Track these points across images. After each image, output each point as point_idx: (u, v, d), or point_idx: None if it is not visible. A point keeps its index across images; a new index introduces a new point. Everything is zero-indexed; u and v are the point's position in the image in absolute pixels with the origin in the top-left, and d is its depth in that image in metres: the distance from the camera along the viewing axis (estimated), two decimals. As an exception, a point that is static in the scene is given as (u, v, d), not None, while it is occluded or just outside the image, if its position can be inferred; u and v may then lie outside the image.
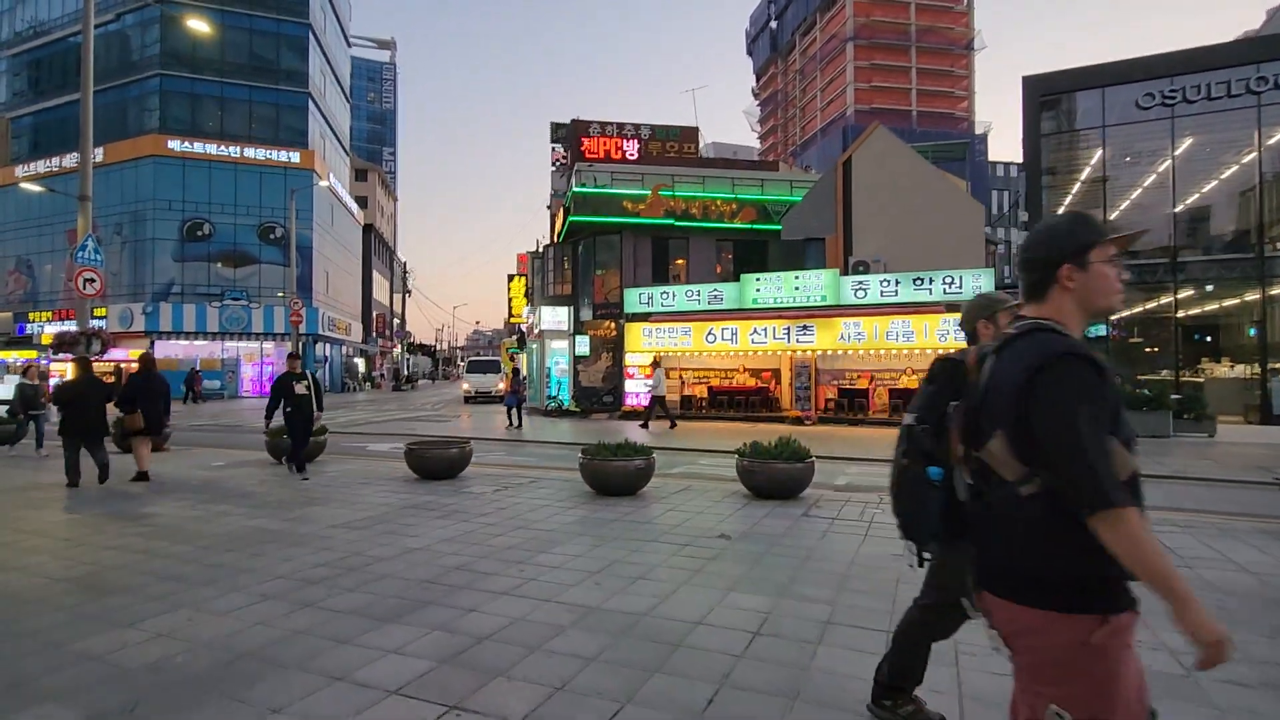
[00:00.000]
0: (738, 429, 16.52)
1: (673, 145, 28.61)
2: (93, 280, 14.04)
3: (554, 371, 23.40)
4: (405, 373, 47.11)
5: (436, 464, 9.04)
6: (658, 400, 16.98)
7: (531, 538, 5.92)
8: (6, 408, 13.24)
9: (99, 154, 35.82)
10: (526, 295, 29.46)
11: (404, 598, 4.34)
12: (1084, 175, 20.27)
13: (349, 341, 44.59)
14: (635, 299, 19.76)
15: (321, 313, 37.23)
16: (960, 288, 16.06)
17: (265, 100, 37.56)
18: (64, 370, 35.16)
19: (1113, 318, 20.03)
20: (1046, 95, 18.58)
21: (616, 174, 21.61)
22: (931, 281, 16.42)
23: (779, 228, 21.00)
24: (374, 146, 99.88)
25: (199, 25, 16.20)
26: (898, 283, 16.70)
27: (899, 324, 16.33)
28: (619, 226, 21.23)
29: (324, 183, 35.63)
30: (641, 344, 19.44)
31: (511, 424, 17.45)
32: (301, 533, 6.09)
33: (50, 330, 35.72)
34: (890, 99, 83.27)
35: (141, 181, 35.11)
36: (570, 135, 28.42)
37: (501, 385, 28.98)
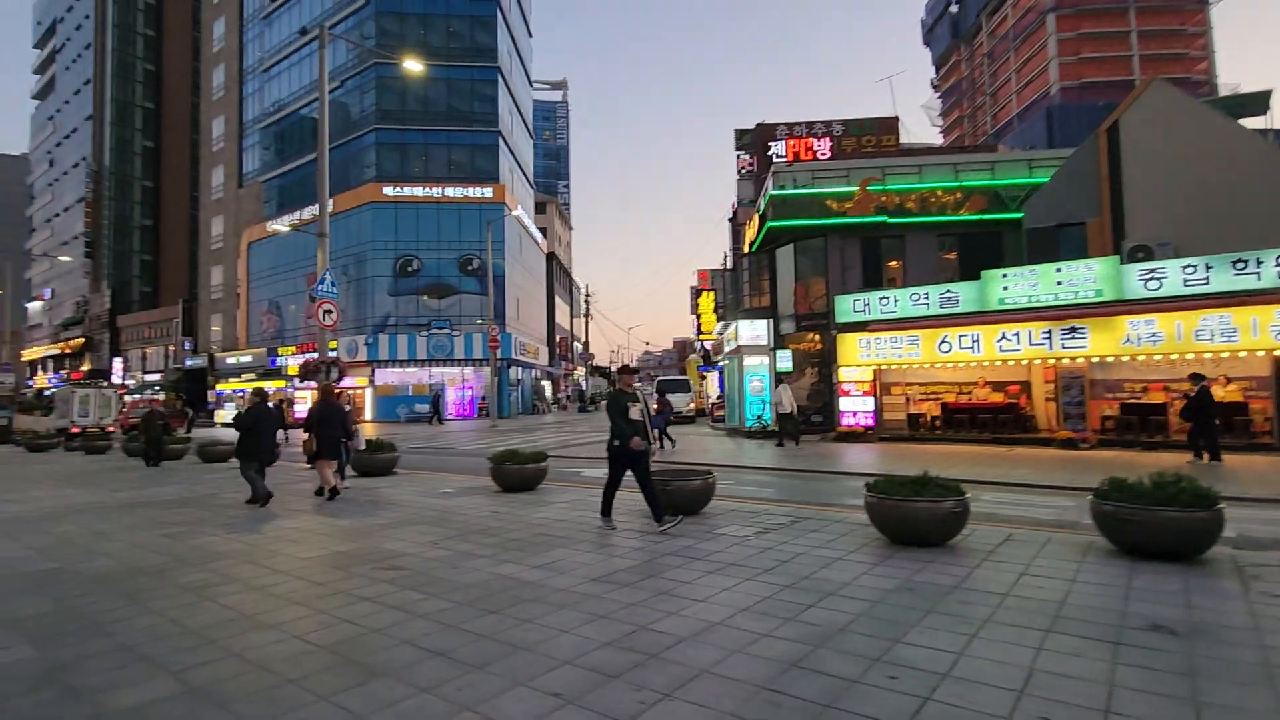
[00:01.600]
0: (989, 454, 13.80)
1: (869, 140, 26.11)
2: (330, 312, 14.85)
3: (749, 389, 21.83)
4: (589, 394, 48.08)
5: (679, 498, 7.79)
6: (784, 418, 16.89)
7: (860, 613, 4.34)
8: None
9: (330, 205, 40.61)
10: (716, 310, 28.40)
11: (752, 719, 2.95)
12: None
13: (537, 365, 46.41)
14: (849, 306, 17.66)
15: (514, 338, 38.90)
16: (1309, 268, 12.18)
17: (461, 142, 40.41)
18: (305, 397, 39.79)
19: None
20: None
21: (818, 172, 19.71)
22: (1260, 263, 12.67)
23: (1018, 215, 17.86)
24: (550, 181, 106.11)
25: (413, 65, 16.91)
26: (1209, 268, 13.10)
27: (1214, 320, 12.74)
28: (823, 229, 19.29)
29: (516, 212, 37.37)
30: (858, 356, 17.27)
31: (662, 446, 17.10)
32: (561, 587, 5.02)
33: (294, 362, 40.79)
34: (1104, 70, 72.90)
35: (362, 226, 39.10)
36: (756, 140, 27.00)
37: (692, 405, 28.10)
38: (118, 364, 61.58)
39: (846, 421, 17.49)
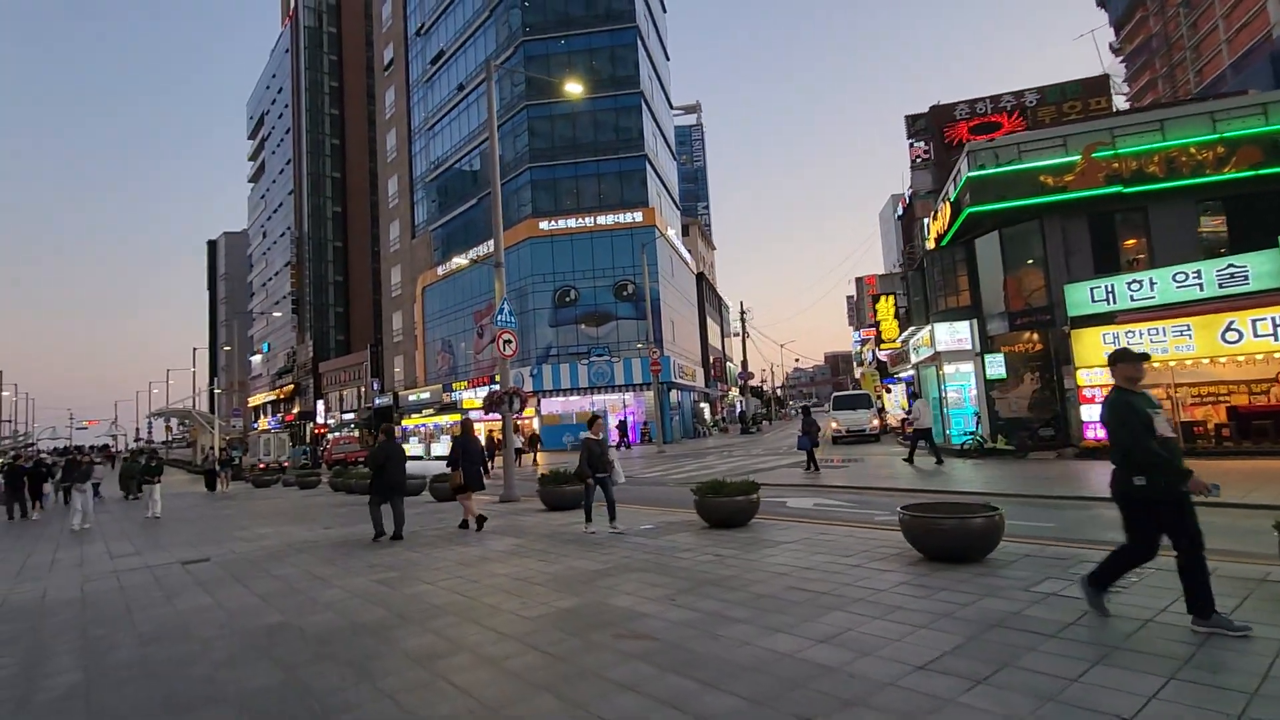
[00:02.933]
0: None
1: (1073, 106, 22.69)
2: (509, 341, 14.71)
3: (941, 400, 19.22)
4: (750, 414, 46.32)
5: (953, 539, 6.16)
6: (921, 435, 16.38)
7: None
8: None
9: (489, 245, 42.71)
10: (896, 316, 25.79)
11: None
12: None
13: (694, 387, 45.49)
14: (1084, 296, 14.81)
15: (672, 360, 38.28)
16: None
17: (609, 170, 40.95)
18: (482, 429, 41.62)
19: None
20: None
21: (1025, 145, 17.00)
22: None
23: (1310, 165, 14.13)
24: (689, 203, 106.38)
25: (574, 88, 16.73)
26: None
27: None
28: (1036, 209, 16.52)
29: (671, 230, 37.00)
30: (1102, 355, 14.33)
31: (809, 468, 15.76)
32: (880, 678, 3.64)
33: (467, 396, 42.97)
34: (1343, -1, 60.33)
35: (522, 262, 40.58)
36: (931, 125, 24.40)
37: (875, 422, 25.54)
38: (320, 406, 69.06)
39: (1093, 434, 14.55)
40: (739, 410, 72.56)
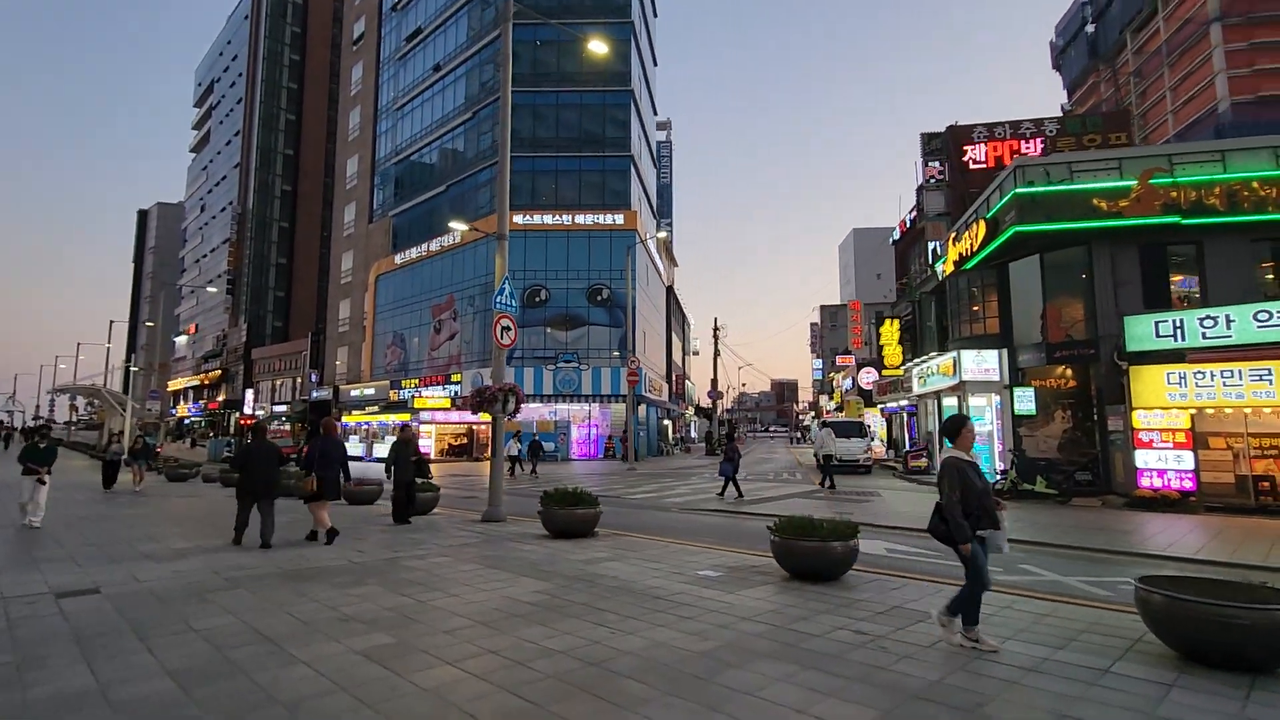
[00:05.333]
0: None
1: (1092, 139, 22.03)
2: (508, 329, 12.39)
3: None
4: (716, 435, 44.52)
5: (1253, 638, 4.23)
6: (827, 459, 17.64)
7: None
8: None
9: (458, 237, 39.94)
10: (901, 342, 24.50)
11: None
12: None
13: (662, 403, 43.50)
14: (1148, 330, 13.53)
15: (644, 373, 36.25)
16: None
17: (592, 168, 38.86)
18: (430, 431, 38.32)
19: None
20: None
21: (1077, 165, 15.84)
22: None
23: (1382, 210, 13.29)
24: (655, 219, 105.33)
25: (598, 47, 14.74)
26: None
27: None
28: (1085, 234, 15.31)
29: (660, 235, 35.13)
30: (1165, 396, 13.05)
31: (724, 495, 15.59)
32: None
33: (418, 395, 39.76)
34: (1282, 82, 64.24)
35: (490, 256, 37.91)
36: (947, 145, 23.36)
37: (869, 452, 24.04)
38: (250, 395, 63.90)
39: (1148, 483, 13.18)
40: (693, 430, 71.06)
